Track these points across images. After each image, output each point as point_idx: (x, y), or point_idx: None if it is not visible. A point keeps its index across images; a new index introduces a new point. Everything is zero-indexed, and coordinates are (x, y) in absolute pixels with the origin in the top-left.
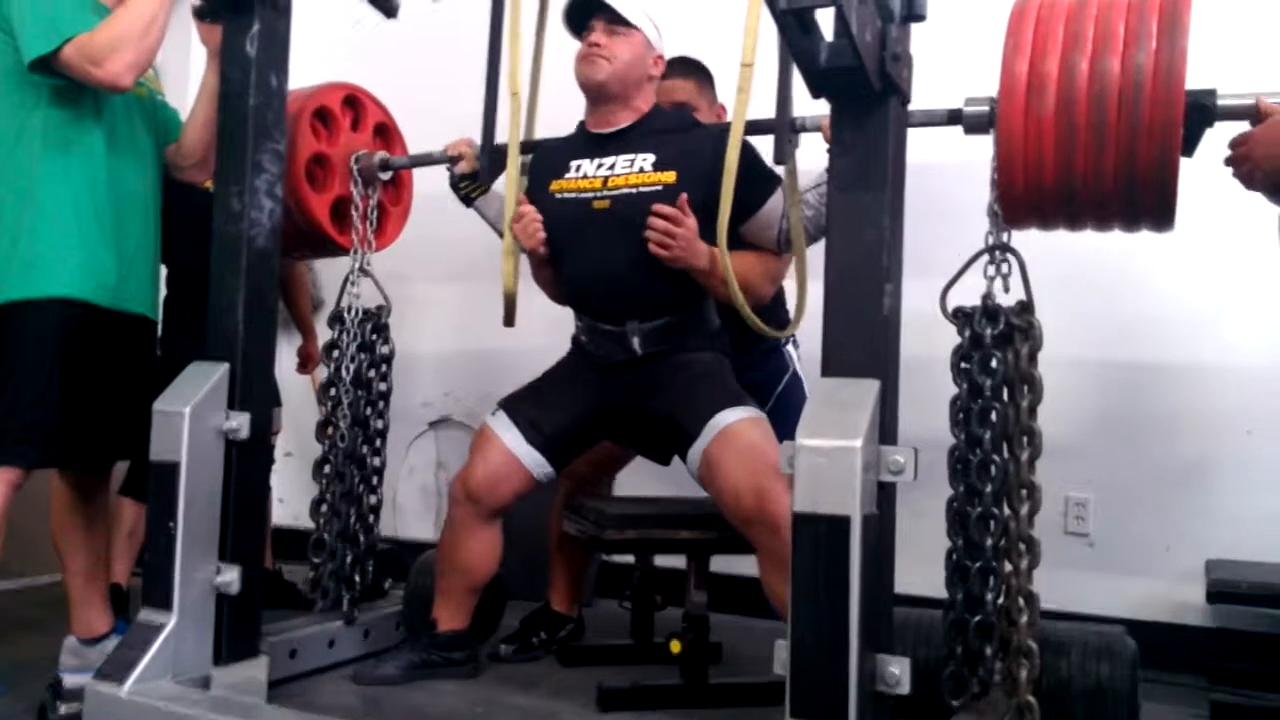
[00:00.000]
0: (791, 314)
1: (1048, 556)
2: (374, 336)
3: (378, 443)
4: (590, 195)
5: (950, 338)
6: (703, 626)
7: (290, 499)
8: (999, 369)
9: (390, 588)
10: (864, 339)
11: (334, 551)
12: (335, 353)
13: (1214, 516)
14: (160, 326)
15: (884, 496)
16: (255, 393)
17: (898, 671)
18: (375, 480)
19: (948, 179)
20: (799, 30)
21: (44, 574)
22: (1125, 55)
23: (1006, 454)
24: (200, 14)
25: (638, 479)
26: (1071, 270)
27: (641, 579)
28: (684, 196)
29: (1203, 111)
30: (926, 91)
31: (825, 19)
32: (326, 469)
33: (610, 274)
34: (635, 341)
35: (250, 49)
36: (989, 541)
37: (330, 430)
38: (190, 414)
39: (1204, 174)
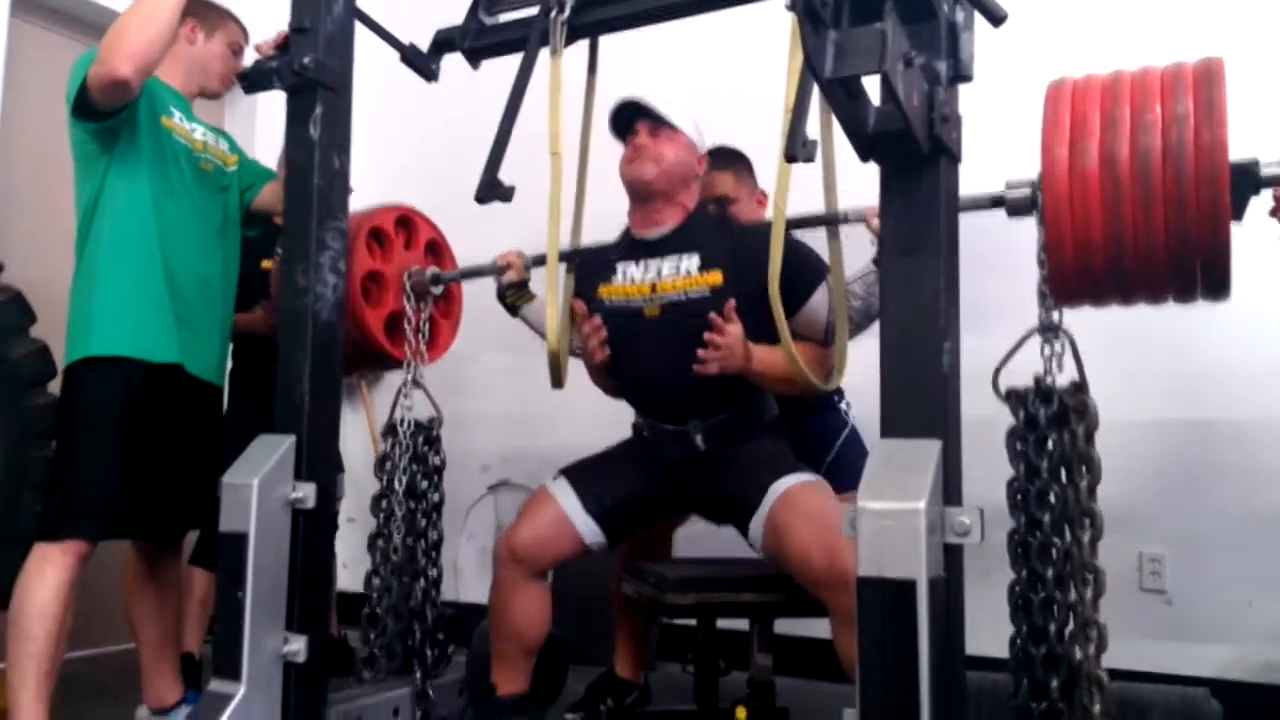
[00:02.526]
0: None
1: (1122, 614)
2: (426, 448)
3: (434, 554)
4: (640, 302)
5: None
6: (768, 692)
7: (354, 564)
8: (1055, 450)
9: (453, 653)
10: (923, 399)
11: (391, 654)
12: (388, 464)
13: None
14: (227, 396)
15: (951, 559)
16: (321, 463)
17: None
18: (434, 593)
19: (998, 228)
20: (845, 97)
21: (118, 643)
22: (1165, 132)
23: (1069, 536)
24: (248, 86)
25: (696, 538)
26: (1135, 322)
27: (704, 642)
28: (731, 302)
29: (1247, 177)
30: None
31: (871, 84)
32: (376, 580)
33: (667, 379)
34: (698, 439)
35: (313, 131)
36: (1053, 627)
37: (381, 543)
38: (259, 486)
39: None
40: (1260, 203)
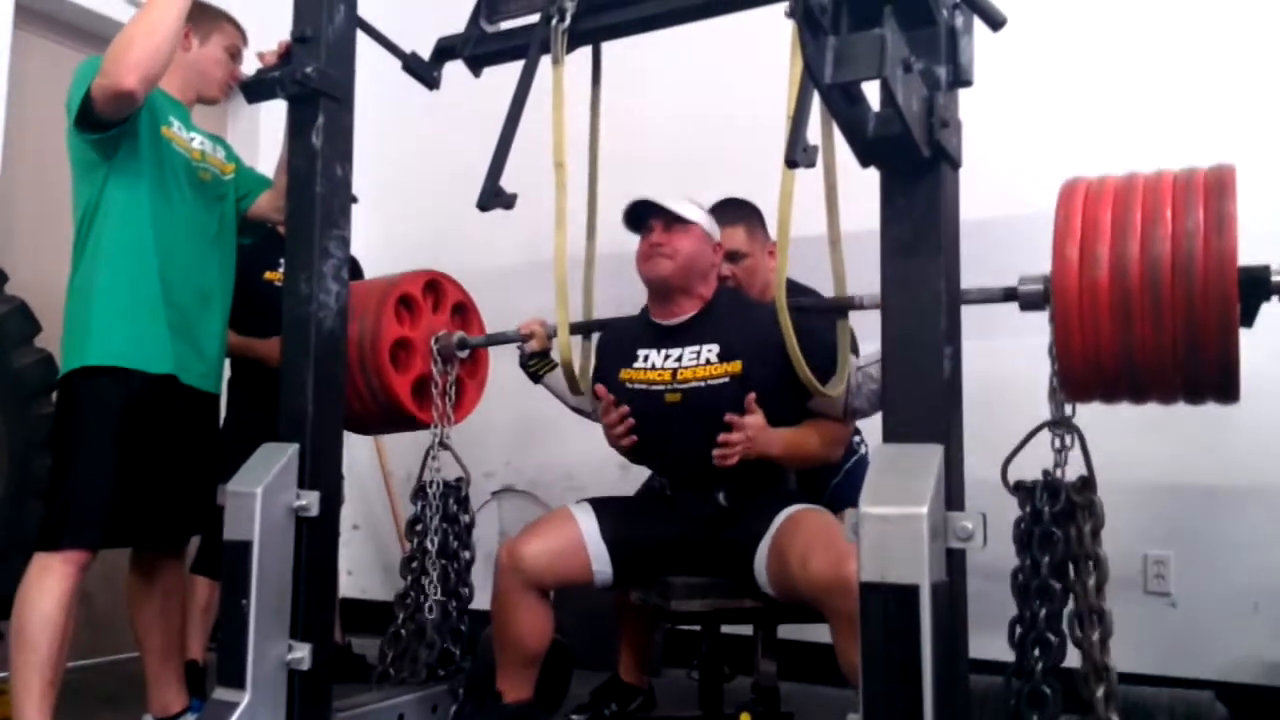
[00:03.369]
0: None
1: (1127, 617)
2: (455, 508)
3: (463, 612)
4: (661, 388)
5: (1013, 393)
6: (773, 697)
7: (359, 571)
8: (1061, 546)
9: (462, 661)
10: (925, 404)
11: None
12: (419, 526)
13: None
14: (227, 404)
15: (953, 564)
16: (325, 471)
17: None
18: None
19: (1000, 234)
20: (845, 102)
21: (122, 651)
22: (1175, 237)
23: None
24: (250, 96)
25: None
26: None
27: (709, 648)
28: (751, 396)
29: (1257, 285)
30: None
31: (871, 89)
32: (403, 634)
33: (690, 461)
34: (721, 496)
35: (316, 140)
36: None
37: (408, 600)
38: (263, 494)
39: None
40: (1271, 308)
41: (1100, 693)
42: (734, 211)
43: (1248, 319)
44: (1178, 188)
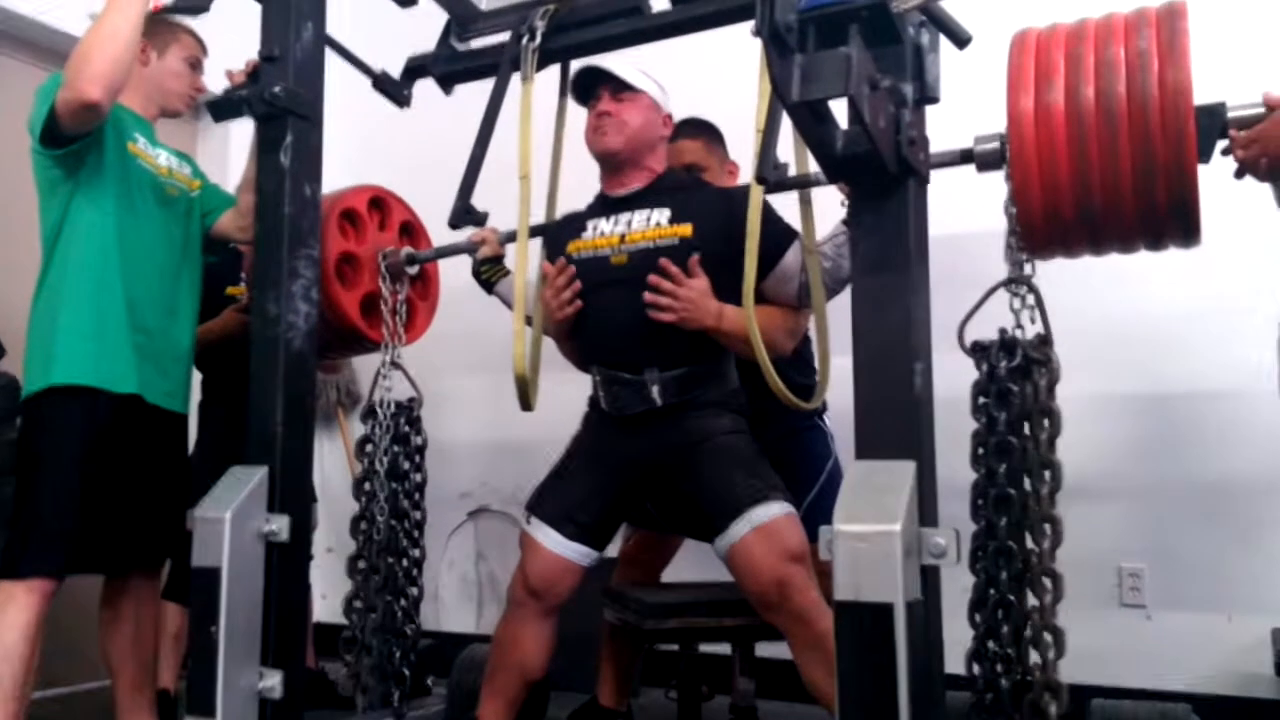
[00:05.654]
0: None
1: (1102, 629)
2: (408, 428)
3: (416, 534)
4: (608, 252)
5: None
6: (751, 716)
7: (333, 595)
8: (1016, 402)
9: (433, 684)
10: (897, 420)
11: (369, 647)
12: (369, 446)
13: (1278, 582)
14: (197, 427)
15: (928, 581)
16: (294, 495)
17: None
18: (415, 572)
19: (974, 246)
20: (812, 120)
21: (91, 680)
22: (1130, 66)
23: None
24: (217, 115)
25: (680, 561)
26: (1114, 332)
27: (686, 668)
28: (695, 257)
29: (1212, 117)
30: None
31: (839, 107)
32: (361, 564)
33: (629, 326)
34: (654, 391)
35: (284, 159)
36: (1005, 576)
37: (365, 525)
38: (231, 519)
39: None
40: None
41: (1046, 545)
42: (692, 127)
43: (1204, 155)
44: (1129, 21)
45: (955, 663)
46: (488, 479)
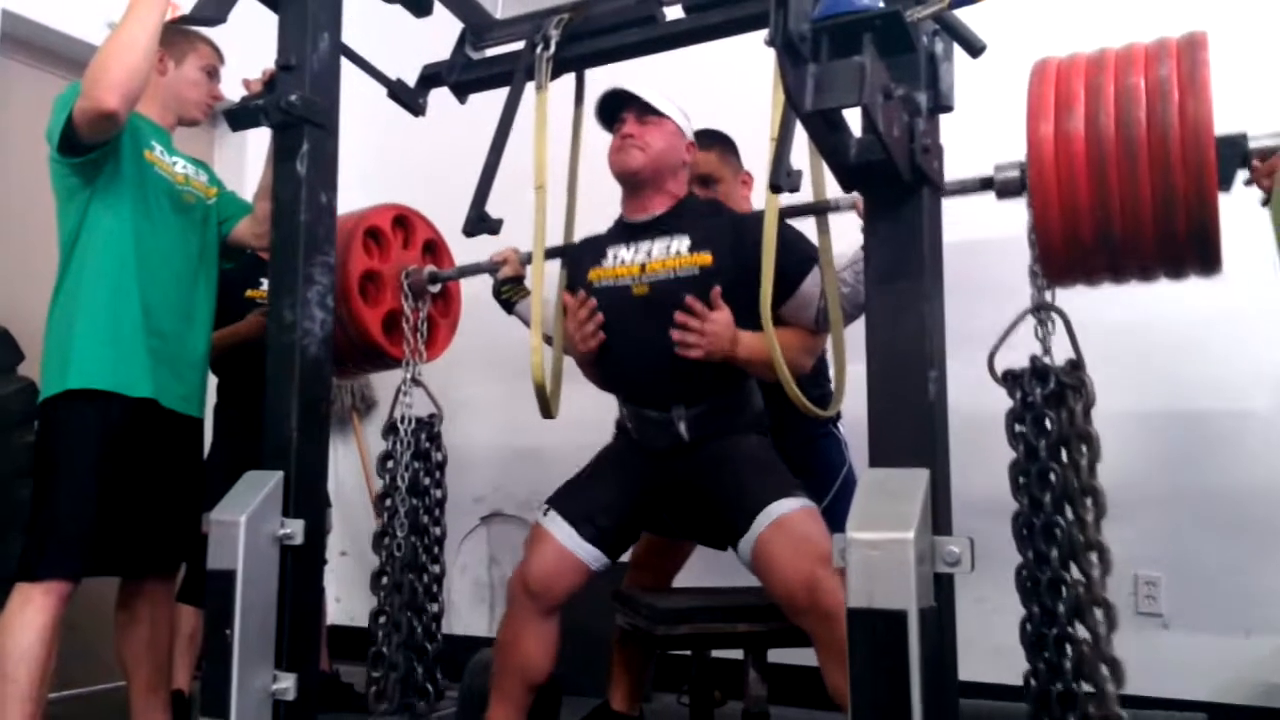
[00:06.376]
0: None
1: (1119, 638)
2: (428, 444)
3: (436, 550)
4: (629, 281)
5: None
6: None
7: (346, 598)
8: (1054, 429)
9: (445, 687)
10: (911, 427)
11: (394, 664)
12: (390, 462)
13: None
14: (212, 432)
15: (941, 589)
16: (309, 499)
17: None
18: (436, 588)
19: (989, 254)
20: (826, 129)
21: (107, 682)
22: (1150, 95)
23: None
24: (234, 124)
25: (692, 565)
26: (1132, 342)
27: (698, 673)
28: (717, 289)
29: (1233, 147)
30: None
31: (852, 115)
32: (385, 580)
33: (653, 360)
34: (681, 427)
35: (300, 168)
36: (1061, 607)
37: (387, 540)
38: (246, 522)
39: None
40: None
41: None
42: (706, 138)
43: (1225, 184)
44: (1150, 51)
45: (968, 670)
46: (501, 484)
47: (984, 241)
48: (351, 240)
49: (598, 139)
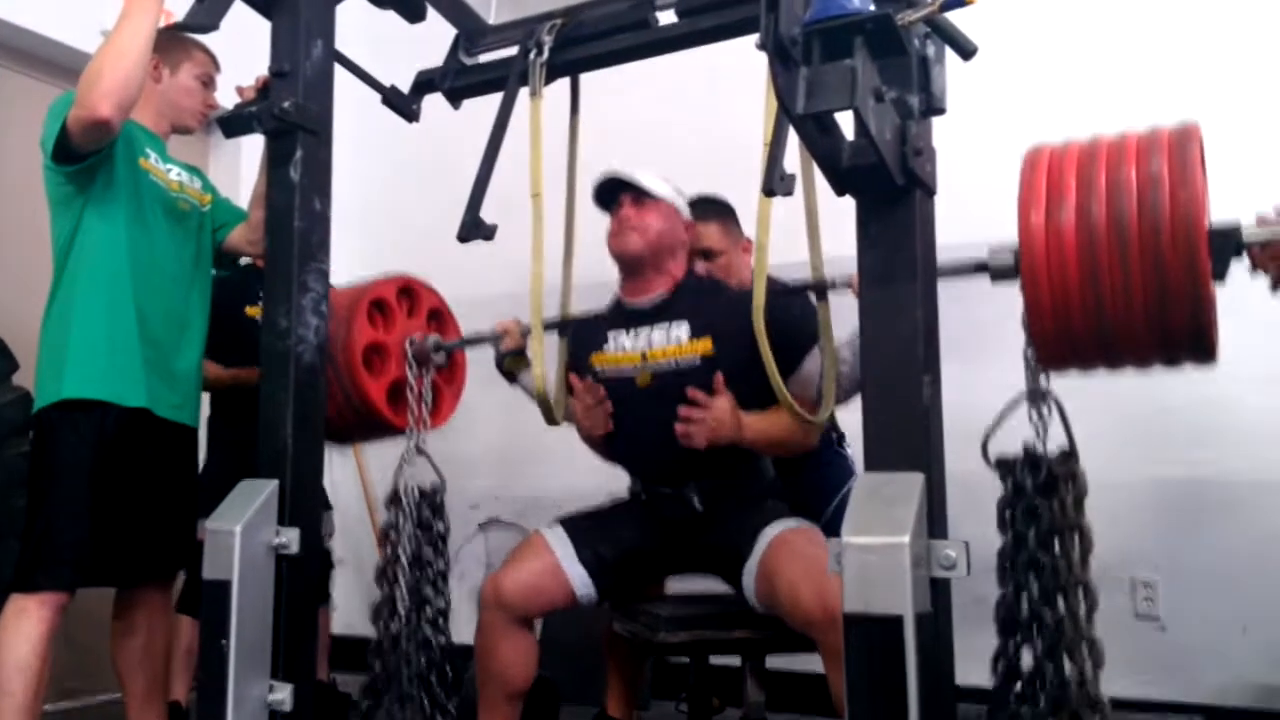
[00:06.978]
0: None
1: (1115, 641)
2: (430, 515)
3: (440, 621)
4: (631, 371)
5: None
6: None
7: (343, 607)
8: (1045, 518)
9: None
10: (905, 432)
11: None
12: (393, 534)
13: None
14: (207, 442)
15: (938, 593)
16: (305, 507)
17: None
18: (443, 663)
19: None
20: (818, 133)
21: (103, 693)
22: (1140, 191)
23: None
24: (228, 130)
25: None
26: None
27: (696, 680)
28: (719, 376)
29: (1226, 238)
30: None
31: (845, 119)
32: (381, 655)
33: (662, 447)
34: (695, 500)
35: (294, 174)
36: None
37: (386, 613)
38: (241, 532)
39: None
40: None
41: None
42: (707, 208)
43: (1219, 274)
44: (1142, 144)
45: (965, 674)
46: (498, 491)
47: (979, 245)
48: (355, 312)
49: (595, 142)
